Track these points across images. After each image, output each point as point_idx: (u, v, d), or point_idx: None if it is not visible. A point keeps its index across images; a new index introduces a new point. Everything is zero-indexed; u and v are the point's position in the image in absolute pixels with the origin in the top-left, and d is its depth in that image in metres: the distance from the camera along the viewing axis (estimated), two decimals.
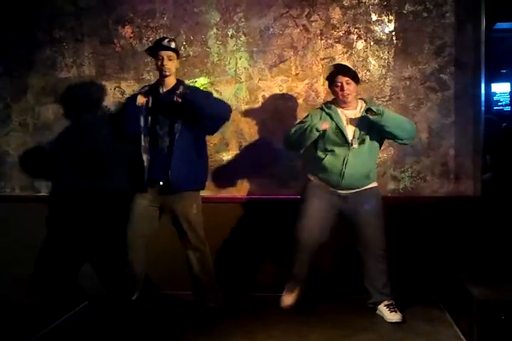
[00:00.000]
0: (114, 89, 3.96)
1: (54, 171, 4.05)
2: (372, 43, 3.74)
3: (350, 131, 3.22)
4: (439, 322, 3.26)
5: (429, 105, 3.71)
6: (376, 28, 3.73)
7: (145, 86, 3.44)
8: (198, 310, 3.46)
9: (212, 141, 3.87)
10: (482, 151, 3.60)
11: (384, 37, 3.73)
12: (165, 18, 3.88)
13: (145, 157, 3.26)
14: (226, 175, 3.90)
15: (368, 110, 3.19)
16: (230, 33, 3.84)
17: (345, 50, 3.76)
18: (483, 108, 3.61)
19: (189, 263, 3.42)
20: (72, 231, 4.01)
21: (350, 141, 3.19)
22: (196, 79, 3.89)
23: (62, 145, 4.02)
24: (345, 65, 3.28)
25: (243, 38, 3.83)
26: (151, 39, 3.86)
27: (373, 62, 3.75)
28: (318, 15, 3.76)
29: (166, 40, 3.26)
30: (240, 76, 3.86)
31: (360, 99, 3.35)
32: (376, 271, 3.31)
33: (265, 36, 3.81)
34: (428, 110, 3.71)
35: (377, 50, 3.74)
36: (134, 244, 3.35)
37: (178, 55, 3.35)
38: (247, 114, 3.86)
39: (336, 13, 3.75)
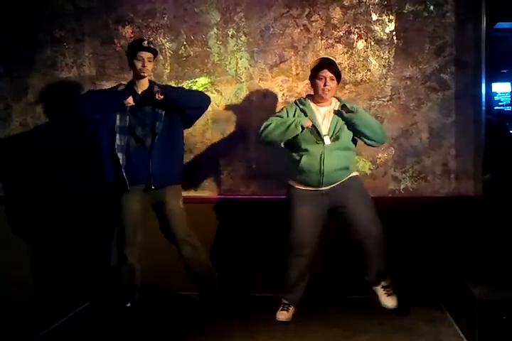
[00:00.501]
0: None
1: (54, 171, 4.04)
2: (372, 43, 3.74)
3: (324, 127, 3.20)
4: (439, 322, 3.26)
5: (429, 105, 3.71)
6: (377, 28, 3.73)
7: (121, 84, 3.42)
8: (201, 309, 3.46)
9: (212, 141, 3.87)
10: (483, 151, 3.59)
11: (384, 37, 3.72)
12: (165, 18, 3.88)
13: (121, 156, 3.25)
14: (226, 175, 3.89)
15: (343, 107, 3.21)
16: (230, 33, 3.84)
17: (345, 49, 3.76)
18: (483, 108, 3.61)
19: (181, 257, 3.42)
20: (72, 231, 4.00)
21: (326, 138, 3.17)
22: (197, 79, 3.89)
23: (63, 145, 4.01)
24: (332, 61, 3.26)
25: (244, 37, 3.83)
26: (151, 39, 3.85)
27: (374, 61, 3.75)
28: (319, 15, 3.75)
29: (146, 42, 3.29)
30: (241, 76, 3.86)
31: (334, 97, 3.33)
32: (375, 255, 3.23)
33: (266, 36, 3.81)
34: (429, 110, 3.71)
35: (377, 50, 3.74)
36: (129, 250, 3.35)
37: (156, 57, 3.38)
38: (247, 113, 3.85)
39: (336, 13, 3.75)
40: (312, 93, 3.31)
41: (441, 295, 3.57)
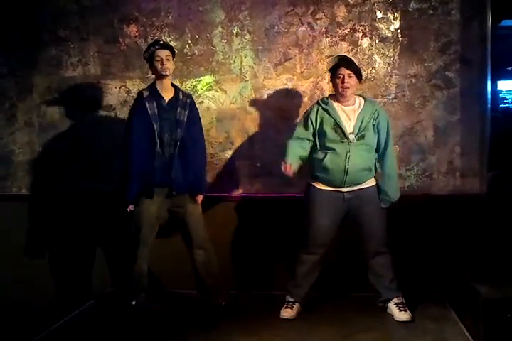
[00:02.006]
0: (120, 88, 3.97)
1: (59, 170, 4.05)
2: (377, 41, 3.73)
3: (349, 126, 3.19)
4: (444, 320, 3.26)
5: (434, 103, 3.70)
6: (381, 26, 3.72)
7: (143, 90, 3.39)
8: (203, 307, 3.47)
9: (217, 139, 3.88)
10: (488, 149, 3.58)
11: (389, 34, 3.72)
12: (170, 17, 3.88)
13: (150, 162, 3.27)
14: (231, 173, 3.90)
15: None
16: (235, 32, 3.84)
17: (350, 47, 3.75)
18: (489, 105, 3.60)
19: (195, 263, 3.44)
20: (77, 230, 4.02)
21: (351, 137, 3.16)
22: (201, 78, 3.89)
23: (68, 145, 4.03)
24: (349, 58, 3.25)
25: (248, 36, 3.83)
26: (156, 38, 3.86)
27: (378, 59, 3.74)
28: (323, 13, 3.75)
29: (161, 42, 3.31)
30: (245, 74, 3.86)
31: (359, 95, 3.33)
32: (382, 267, 3.30)
33: (270, 34, 3.81)
34: (434, 108, 3.70)
35: (382, 48, 3.73)
36: (142, 251, 3.37)
37: (174, 56, 3.37)
38: (252, 112, 3.86)
39: (341, 11, 3.74)
40: (334, 93, 3.31)
41: (445, 293, 3.57)
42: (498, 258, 3.36)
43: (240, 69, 3.86)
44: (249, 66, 3.85)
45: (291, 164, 3.16)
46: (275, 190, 3.82)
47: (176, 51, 3.43)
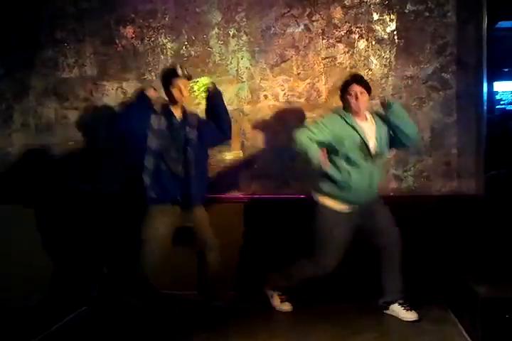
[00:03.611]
0: (116, 89, 3.96)
1: (56, 172, 4.04)
2: (373, 43, 3.74)
3: (372, 143, 3.17)
4: (443, 320, 3.26)
5: (431, 104, 3.71)
6: (378, 28, 3.73)
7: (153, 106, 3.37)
8: (203, 309, 3.47)
9: None
10: (485, 150, 3.59)
11: (386, 36, 3.73)
12: (166, 18, 3.88)
13: (161, 176, 3.27)
14: (228, 174, 3.90)
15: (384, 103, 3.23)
16: (231, 33, 3.84)
17: (346, 49, 3.76)
18: (485, 107, 3.62)
19: (205, 264, 3.44)
20: (73, 234, 4.00)
21: (374, 154, 3.15)
22: (198, 79, 3.87)
23: (64, 146, 4.02)
24: (361, 76, 3.25)
25: (245, 37, 3.84)
26: (152, 39, 3.87)
27: (375, 61, 3.75)
28: (320, 14, 3.76)
29: (179, 69, 3.29)
30: (242, 76, 3.86)
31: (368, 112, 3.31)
32: (396, 271, 3.31)
33: (267, 36, 3.81)
34: (430, 109, 3.71)
35: (378, 50, 3.74)
36: (155, 263, 3.34)
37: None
38: (248, 113, 3.86)
39: (337, 13, 3.75)
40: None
41: (444, 294, 3.57)
42: (495, 259, 3.37)
43: (237, 70, 3.86)
44: (246, 67, 3.85)
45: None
46: (273, 191, 3.82)
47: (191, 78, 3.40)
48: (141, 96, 3.31)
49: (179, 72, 3.26)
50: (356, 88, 3.14)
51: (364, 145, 3.14)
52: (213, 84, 3.44)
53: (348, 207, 3.19)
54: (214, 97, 3.42)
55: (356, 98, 3.13)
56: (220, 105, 3.46)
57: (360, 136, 3.13)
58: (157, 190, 3.27)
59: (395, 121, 3.18)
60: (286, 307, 3.49)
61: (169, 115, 3.32)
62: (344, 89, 3.20)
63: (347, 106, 3.20)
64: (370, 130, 3.19)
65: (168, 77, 3.29)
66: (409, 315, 3.26)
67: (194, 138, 3.33)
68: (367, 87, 3.19)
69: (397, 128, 3.18)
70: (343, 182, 3.13)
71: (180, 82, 3.27)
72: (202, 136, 3.36)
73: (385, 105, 3.21)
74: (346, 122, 3.16)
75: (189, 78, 3.34)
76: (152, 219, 3.30)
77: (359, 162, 3.13)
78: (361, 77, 3.23)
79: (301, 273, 3.35)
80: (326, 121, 3.18)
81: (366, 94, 3.18)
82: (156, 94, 3.32)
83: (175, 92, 3.27)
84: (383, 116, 3.25)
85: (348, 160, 3.13)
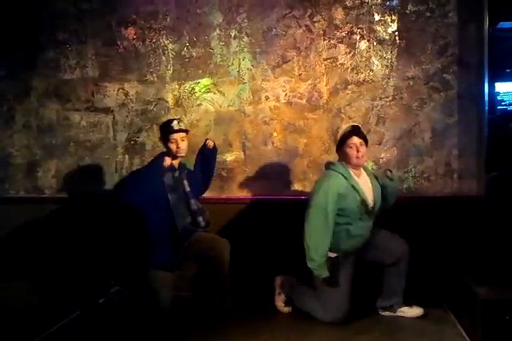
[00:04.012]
0: (118, 90, 3.97)
1: (58, 173, 4.06)
2: (375, 43, 3.74)
3: (370, 201, 3.16)
4: (442, 322, 3.26)
5: (432, 105, 3.71)
6: (379, 28, 3.73)
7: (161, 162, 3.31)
8: (202, 310, 3.47)
9: (215, 141, 3.86)
10: (486, 151, 3.59)
11: (387, 37, 3.73)
12: (168, 20, 3.89)
13: (174, 235, 3.28)
14: (229, 175, 3.90)
15: (387, 173, 3.26)
16: (232, 34, 3.85)
17: (348, 50, 3.76)
18: (486, 107, 3.61)
19: (219, 265, 3.42)
20: (75, 234, 4.00)
21: (371, 211, 3.16)
22: (199, 80, 3.90)
23: (65, 147, 4.04)
24: (358, 127, 3.19)
25: (246, 38, 3.84)
26: (154, 40, 3.88)
27: (376, 62, 3.75)
28: (321, 15, 3.76)
29: (176, 122, 3.28)
30: (243, 77, 3.86)
31: None
32: (404, 276, 3.33)
33: (268, 37, 3.82)
34: (431, 110, 3.71)
35: (380, 50, 3.74)
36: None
37: (188, 134, 3.35)
38: (250, 114, 3.86)
39: (338, 14, 3.75)
40: (333, 161, 3.25)
41: (444, 295, 3.57)
42: (496, 260, 3.37)
43: (238, 71, 3.87)
44: (247, 68, 3.86)
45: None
46: (273, 193, 3.82)
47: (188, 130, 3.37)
48: (156, 165, 3.28)
49: (175, 127, 3.25)
50: (357, 140, 3.11)
51: (364, 203, 3.12)
52: (213, 141, 3.48)
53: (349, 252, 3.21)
54: (210, 153, 3.48)
55: (357, 151, 3.09)
56: (214, 160, 3.55)
57: (361, 196, 3.10)
58: (167, 255, 3.25)
59: (386, 191, 3.25)
60: (287, 309, 3.47)
61: (173, 170, 3.33)
62: (343, 142, 3.13)
63: (344, 159, 3.16)
64: (367, 187, 3.18)
65: (165, 132, 3.27)
66: (416, 310, 3.30)
67: (189, 189, 3.36)
68: (365, 138, 3.16)
69: (384, 196, 3.25)
70: (344, 237, 3.15)
71: (176, 136, 3.25)
72: (191, 187, 3.39)
73: (388, 177, 3.24)
74: (348, 182, 3.10)
75: (186, 131, 3.32)
76: (159, 281, 3.27)
77: (357, 218, 3.14)
78: (359, 129, 3.17)
79: (310, 308, 3.33)
80: (332, 186, 3.07)
81: (365, 146, 3.14)
82: (169, 162, 3.30)
83: (172, 146, 3.25)
84: (374, 174, 3.29)
85: (348, 217, 3.13)
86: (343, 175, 3.11)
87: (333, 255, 3.12)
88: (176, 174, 3.34)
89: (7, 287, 3.77)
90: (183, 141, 3.28)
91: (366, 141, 3.17)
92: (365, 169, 3.29)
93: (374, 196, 3.19)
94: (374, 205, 3.18)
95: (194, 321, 3.39)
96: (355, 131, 3.13)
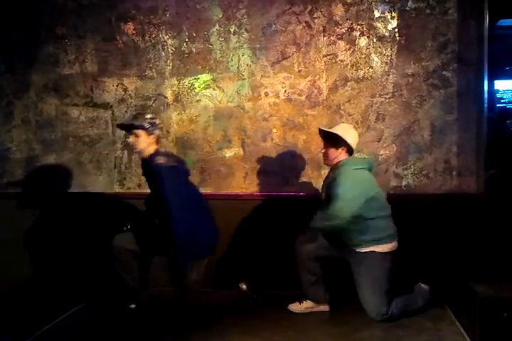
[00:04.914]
0: (117, 85, 3.96)
1: (56, 168, 4.05)
2: (375, 40, 3.73)
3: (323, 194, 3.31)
4: (441, 319, 3.26)
5: (431, 102, 3.70)
6: (379, 25, 3.73)
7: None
8: (203, 307, 3.47)
9: (214, 137, 3.87)
10: (485, 148, 3.59)
11: (387, 33, 3.72)
12: (167, 15, 3.88)
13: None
14: (228, 171, 3.90)
15: None
16: (232, 30, 3.84)
17: (347, 46, 3.75)
18: (486, 105, 3.61)
19: None
20: (73, 230, 4.00)
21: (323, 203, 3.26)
22: (199, 76, 3.89)
23: (64, 142, 4.03)
24: (321, 129, 3.29)
25: (246, 34, 3.83)
26: (153, 36, 3.87)
27: (376, 58, 3.74)
28: (321, 11, 3.75)
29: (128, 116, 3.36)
30: (243, 73, 3.86)
31: None
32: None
33: (268, 33, 3.81)
34: (431, 107, 3.71)
35: (379, 47, 3.74)
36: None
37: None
38: (249, 111, 3.86)
39: (338, 10, 3.74)
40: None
41: (443, 293, 3.57)
42: (494, 258, 3.37)
43: (238, 67, 3.86)
44: (247, 64, 3.85)
45: None
46: (273, 189, 3.82)
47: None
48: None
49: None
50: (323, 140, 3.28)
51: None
52: None
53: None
54: None
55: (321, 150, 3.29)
56: None
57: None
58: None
59: None
60: (293, 307, 3.47)
61: (143, 165, 3.38)
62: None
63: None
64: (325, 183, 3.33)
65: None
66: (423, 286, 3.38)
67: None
68: (327, 137, 3.23)
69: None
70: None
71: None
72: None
73: None
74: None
75: (126, 129, 3.25)
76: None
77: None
78: (320, 129, 3.28)
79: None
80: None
81: (329, 145, 3.22)
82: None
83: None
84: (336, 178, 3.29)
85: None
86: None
87: None
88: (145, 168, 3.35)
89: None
90: (127, 138, 3.27)
91: (329, 141, 3.21)
92: (338, 168, 3.21)
93: (325, 191, 3.24)
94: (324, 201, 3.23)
95: (195, 317, 3.37)
96: (319, 132, 3.28)
